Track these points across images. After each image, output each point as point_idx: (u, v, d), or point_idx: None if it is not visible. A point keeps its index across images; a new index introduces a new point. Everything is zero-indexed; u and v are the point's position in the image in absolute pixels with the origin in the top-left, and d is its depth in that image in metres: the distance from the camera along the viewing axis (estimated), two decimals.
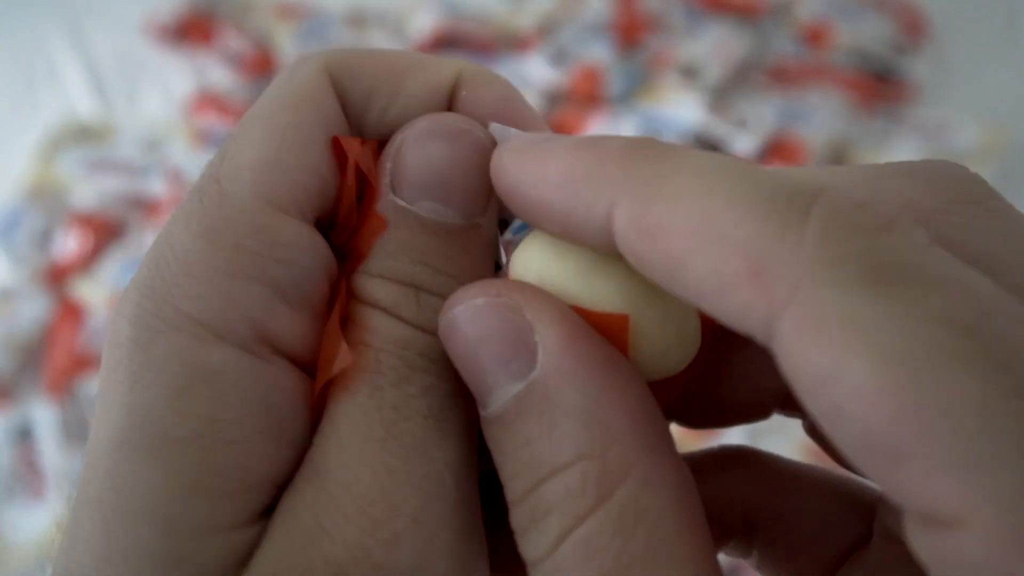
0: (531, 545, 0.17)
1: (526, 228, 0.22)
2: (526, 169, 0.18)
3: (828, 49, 1.35)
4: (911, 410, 0.13)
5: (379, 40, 1.34)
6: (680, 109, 1.22)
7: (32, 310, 1.01)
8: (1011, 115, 1.32)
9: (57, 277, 1.03)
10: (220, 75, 1.34)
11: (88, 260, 1.05)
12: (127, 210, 1.15)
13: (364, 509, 0.19)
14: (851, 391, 0.13)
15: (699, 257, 0.15)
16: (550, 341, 0.17)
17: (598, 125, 1.20)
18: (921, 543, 0.15)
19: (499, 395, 0.18)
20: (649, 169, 0.16)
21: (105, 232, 1.08)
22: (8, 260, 1.05)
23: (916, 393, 0.13)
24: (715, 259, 0.15)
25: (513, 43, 1.38)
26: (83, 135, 1.16)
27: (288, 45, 1.31)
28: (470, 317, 0.18)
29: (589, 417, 0.17)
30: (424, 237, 0.20)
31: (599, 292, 0.19)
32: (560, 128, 1.25)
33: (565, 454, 0.17)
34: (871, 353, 0.13)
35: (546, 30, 1.37)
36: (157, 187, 1.11)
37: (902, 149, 1.20)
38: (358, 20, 1.35)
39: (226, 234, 0.18)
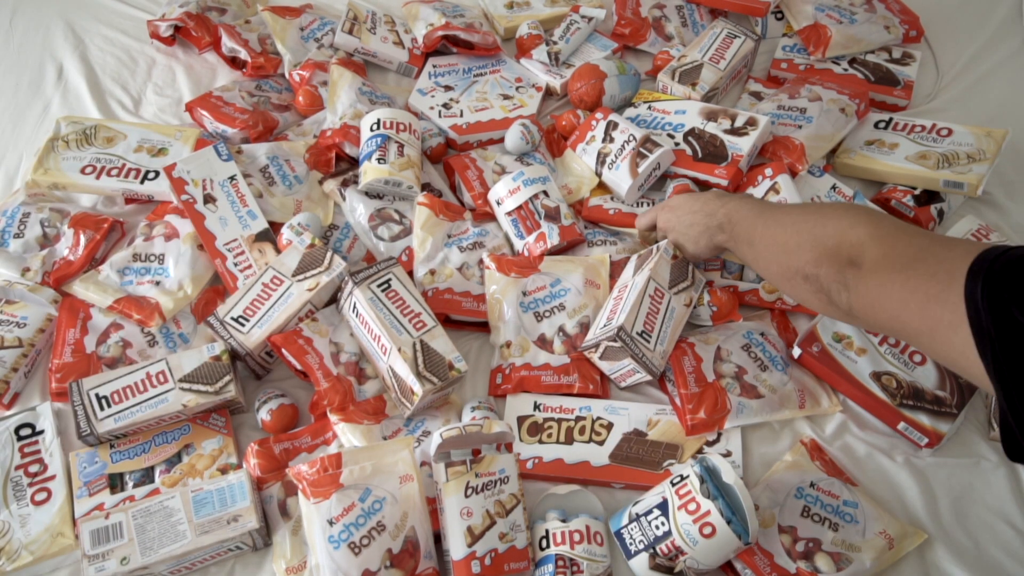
0: None
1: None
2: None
3: (827, 51, 1.35)
4: None
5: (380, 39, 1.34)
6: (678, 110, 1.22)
7: (34, 310, 1.01)
8: (1008, 117, 1.32)
9: (59, 277, 1.03)
10: (220, 76, 1.34)
11: (89, 260, 1.06)
12: (128, 210, 1.15)
13: None
14: None
15: None
16: None
17: (598, 124, 1.21)
18: None
19: None
20: None
21: (106, 232, 1.08)
22: (10, 260, 1.05)
23: None
24: None
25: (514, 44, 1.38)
26: (84, 136, 1.16)
27: (288, 45, 1.31)
28: None
29: None
30: None
31: None
32: (561, 127, 1.25)
33: None
34: None
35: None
36: (158, 187, 1.11)
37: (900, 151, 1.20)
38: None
39: None
